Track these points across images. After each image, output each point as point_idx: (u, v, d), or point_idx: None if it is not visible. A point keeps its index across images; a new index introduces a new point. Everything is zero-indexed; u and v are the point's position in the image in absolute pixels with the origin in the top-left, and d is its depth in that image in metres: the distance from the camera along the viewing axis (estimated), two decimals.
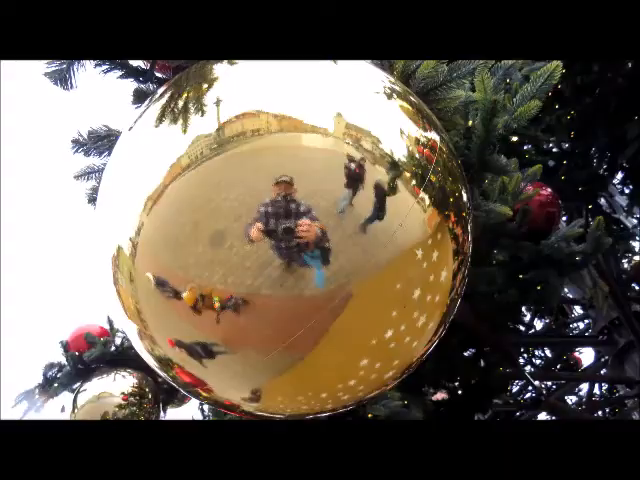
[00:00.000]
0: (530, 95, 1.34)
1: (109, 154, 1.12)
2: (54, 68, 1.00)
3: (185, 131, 0.69)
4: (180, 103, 0.72)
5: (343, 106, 0.69)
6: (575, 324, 6.39)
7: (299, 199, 0.63)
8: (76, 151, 1.15)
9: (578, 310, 6.17)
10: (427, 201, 0.71)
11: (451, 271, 0.78)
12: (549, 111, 3.18)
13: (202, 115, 0.70)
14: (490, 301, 2.24)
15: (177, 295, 0.64)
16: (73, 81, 0.99)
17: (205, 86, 0.73)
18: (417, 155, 0.71)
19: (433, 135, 0.76)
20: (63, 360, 2.55)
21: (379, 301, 0.70)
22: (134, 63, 1.01)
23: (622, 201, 4.17)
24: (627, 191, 3.88)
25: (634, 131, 2.94)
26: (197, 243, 0.64)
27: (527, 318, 5.12)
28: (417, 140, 0.72)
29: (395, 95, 0.76)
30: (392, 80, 0.81)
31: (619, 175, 3.69)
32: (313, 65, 0.78)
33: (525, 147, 3.17)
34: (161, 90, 0.79)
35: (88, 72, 1.04)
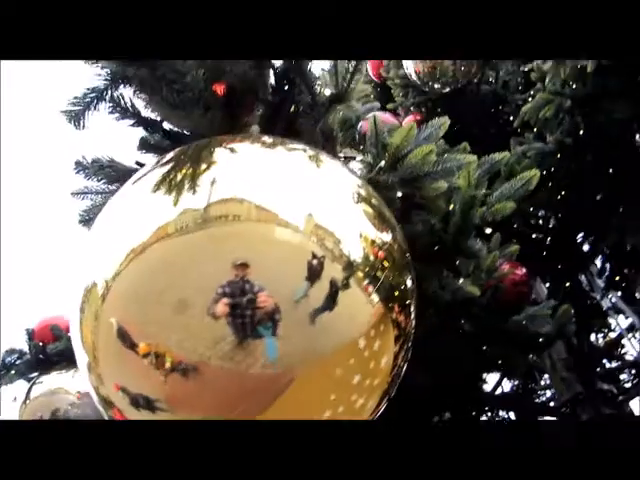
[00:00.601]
0: (507, 195, 1.45)
1: (107, 182, 1.21)
2: (70, 108, 1.08)
3: (176, 202, 0.79)
4: (178, 176, 0.82)
5: (315, 207, 0.79)
6: (543, 391, 6.47)
7: (257, 281, 0.73)
8: (77, 172, 1.24)
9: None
10: (374, 297, 0.80)
11: (392, 355, 0.87)
12: (542, 188, 3.31)
13: (194, 192, 0.79)
14: (454, 368, 2.32)
15: (133, 347, 0.73)
16: (86, 122, 1.07)
17: (203, 167, 0.83)
18: (371, 256, 0.81)
19: (388, 236, 0.85)
20: (25, 348, 2.50)
21: (319, 385, 0.79)
22: (145, 114, 1.10)
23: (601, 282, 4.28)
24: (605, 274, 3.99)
25: (616, 221, 3.07)
26: (163, 305, 0.73)
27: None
28: (373, 242, 0.82)
29: (360, 199, 0.86)
30: (360, 184, 0.91)
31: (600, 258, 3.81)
32: (300, 162, 0.87)
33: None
34: (166, 159, 0.89)
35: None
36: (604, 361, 5.49)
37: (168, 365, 0.71)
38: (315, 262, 0.76)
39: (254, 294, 0.73)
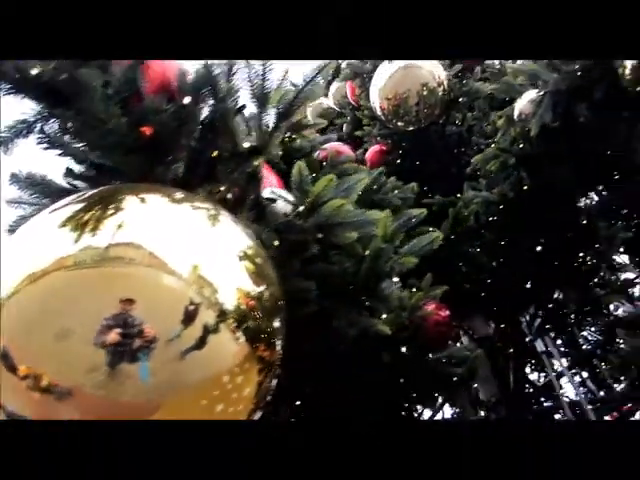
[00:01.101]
0: (413, 251, 1.59)
1: (39, 197, 1.29)
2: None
3: (78, 239, 0.89)
4: (87, 216, 0.92)
5: (201, 260, 0.91)
6: None
7: (139, 316, 0.84)
8: (11, 184, 1.31)
9: None
10: (241, 339, 0.92)
11: (255, 385, 0.99)
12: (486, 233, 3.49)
13: (98, 232, 0.90)
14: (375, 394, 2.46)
15: (14, 370, 0.82)
16: (13, 149, 1.12)
17: (111, 211, 0.93)
18: (242, 306, 0.93)
19: (261, 289, 0.98)
20: None
21: (185, 413, 0.90)
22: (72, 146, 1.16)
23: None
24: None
25: (548, 275, 3.26)
26: (47, 331, 0.83)
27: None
28: (247, 293, 0.94)
29: (244, 257, 0.98)
30: (250, 245, 1.02)
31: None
32: (199, 220, 0.99)
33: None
34: (82, 197, 0.99)
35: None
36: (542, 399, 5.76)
37: (44, 385, 0.81)
38: (191, 307, 0.87)
39: (140, 326, 0.84)
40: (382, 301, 1.64)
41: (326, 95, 7.70)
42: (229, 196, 1.20)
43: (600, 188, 2.99)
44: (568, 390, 7.38)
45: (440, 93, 3.45)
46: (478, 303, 3.91)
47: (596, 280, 3.56)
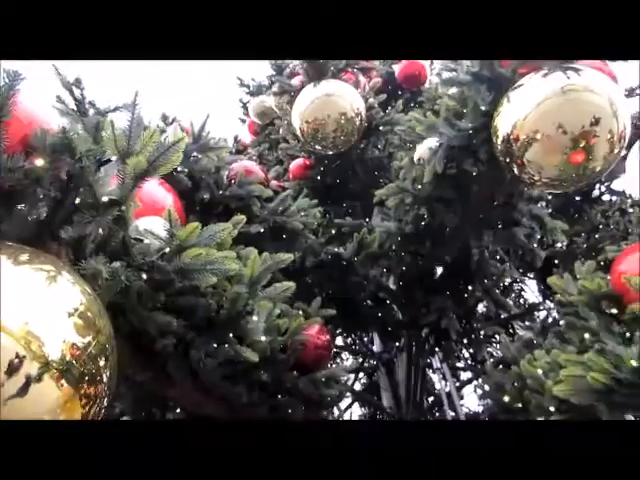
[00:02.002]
0: (270, 297, 1.76)
1: None
2: None
3: None
4: None
5: (33, 318, 1.02)
6: None
7: None
8: None
9: None
10: (65, 384, 1.03)
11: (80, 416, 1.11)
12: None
13: None
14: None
15: None
16: None
17: None
18: (68, 356, 1.04)
19: (89, 339, 1.09)
20: None
21: None
22: None
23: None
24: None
25: (437, 304, 3.53)
26: None
27: None
28: (73, 345, 1.06)
29: (74, 313, 1.10)
30: (83, 301, 1.13)
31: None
32: (37, 280, 1.09)
33: None
34: None
35: None
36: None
37: None
38: (16, 360, 0.98)
39: None
40: (245, 333, 1.78)
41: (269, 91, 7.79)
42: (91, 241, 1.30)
43: (488, 234, 3.25)
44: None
45: (357, 123, 3.63)
46: (377, 321, 4.15)
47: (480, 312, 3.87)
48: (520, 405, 2.37)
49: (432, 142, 2.87)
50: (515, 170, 2.26)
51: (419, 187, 3.04)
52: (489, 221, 3.10)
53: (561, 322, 2.41)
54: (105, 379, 1.15)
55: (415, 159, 3.01)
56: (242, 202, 2.88)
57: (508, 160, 2.27)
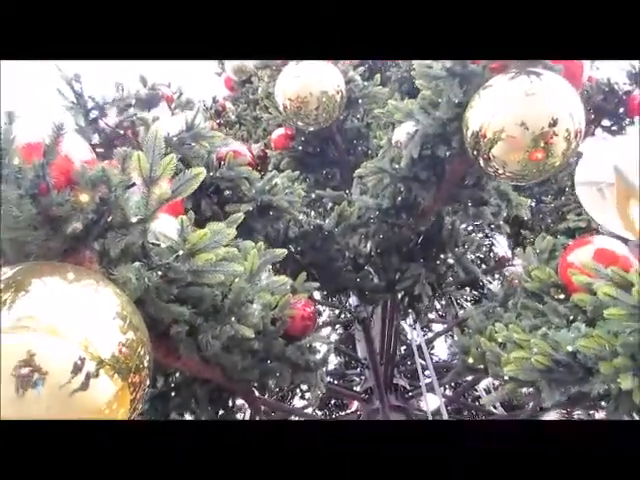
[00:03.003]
0: (269, 288, 2.02)
1: None
2: None
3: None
4: (5, 296, 1.23)
5: (87, 325, 1.26)
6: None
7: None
8: None
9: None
10: (116, 376, 1.29)
11: (128, 404, 1.37)
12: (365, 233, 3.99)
13: (12, 307, 1.21)
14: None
15: None
16: None
17: (21, 292, 1.25)
18: (116, 353, 1.29)
19: (131, 335, 1.34)
20: None
21: None
22: None
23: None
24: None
25: (412, 270, 3.83)
26: None
27: None
28: (119, 343, 1.31)
29: (119, 316, 1.34)
30: (119, 303, 1.38)
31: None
32: (85, 293, 1.32)
33: None
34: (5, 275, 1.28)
35: None
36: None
37: None
38: (79, 362, 1.23)
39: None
40: (244, 317, 2.04)
41: None
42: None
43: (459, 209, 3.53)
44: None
45: (338, 100, 3.81)
46: (355, 286, 4.46)
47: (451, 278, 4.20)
48: (482, 367, 2.73)
49: (409, 126, 3.09)
50: (481, 163, 2.52)
51: (396, 166, 3.27)
52: (460, 199, 3.37)
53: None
54: (146, 365, 1.41)
55: (393, 141, 3.23)
56: (232, 183, 3.08)
57: (475, 153, 2.52)
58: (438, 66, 2.65)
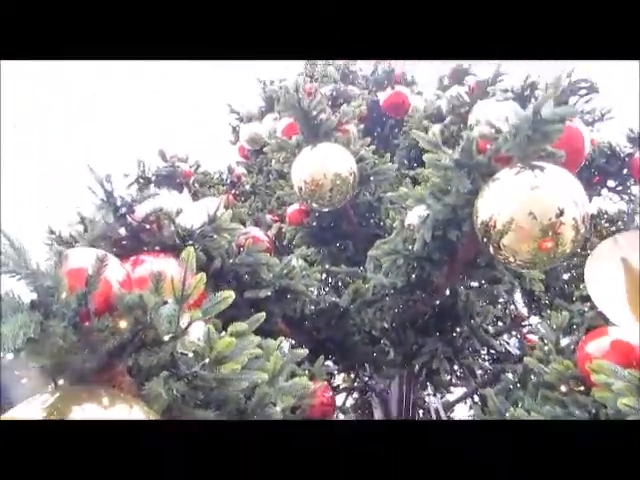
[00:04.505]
0: (289, 391, 2.09)
1: None
2: None
3: None
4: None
5: None
6: None
7: None
8: None
9: None
10: None
11: None
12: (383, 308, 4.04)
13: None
14: None
15: None
16: None
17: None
18: None
19: None
20: None
21: None
22: None
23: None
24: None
25: (429, 346, 3.86)
26: None
27: None
28: None
29: None
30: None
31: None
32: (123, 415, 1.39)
33: None
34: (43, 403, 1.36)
35: None
36: None
37: None
38: None
39: None
40: (268, 416, 2.09)
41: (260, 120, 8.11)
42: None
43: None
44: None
45: (351, 181, 3.96)
46: (372, 361, 4.48)
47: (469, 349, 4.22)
48: None
49: (421, 210, 3.21)
50: (491, 251, 2.60)
51: (409, 247, 3.37)
52: (473, 277, 3.45)
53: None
54: None
55: (406, 224, 3.34)
56: (250, 268, 3.18)
57: (486, 240, 2.61)
58: (446, 158, 2.78)
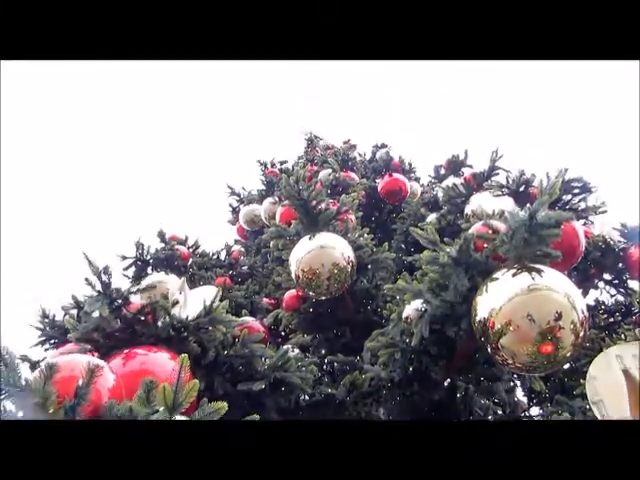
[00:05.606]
0: None
1: None
2: None
3: None
4: None
5: None
6: None
7: None
8: None
9: None
10: None
11: None
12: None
13: None
14: None
15: None
16: None
17: None
18: None
19: None
20: None
21: None
22: None
23: None
24: None
25: None
26: None
27: None
28: None
29: None
30: None
31: None
32: None
33: None
34: None
35: None
36: None
37: None
38: None
39: None
40: None
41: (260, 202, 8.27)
42: None
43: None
44: None
45: (349, 270, 3.98)
46: None
47: None
48: None
49: (417, 304, 3.20)
50: (489, 351, 2.57)
51: (407, 340, 3.32)
52: (471, 373, 3.38)
53: None
54: None
55: (403, 317, 3.32)
56: (245, 360, 3.12)
57: (483, 340, 2.58)
58: (444, 256, 2.81)
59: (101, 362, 1.59)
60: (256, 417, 2.07)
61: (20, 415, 1.22)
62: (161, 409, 1.53)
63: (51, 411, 1.25)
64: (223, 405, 1.54)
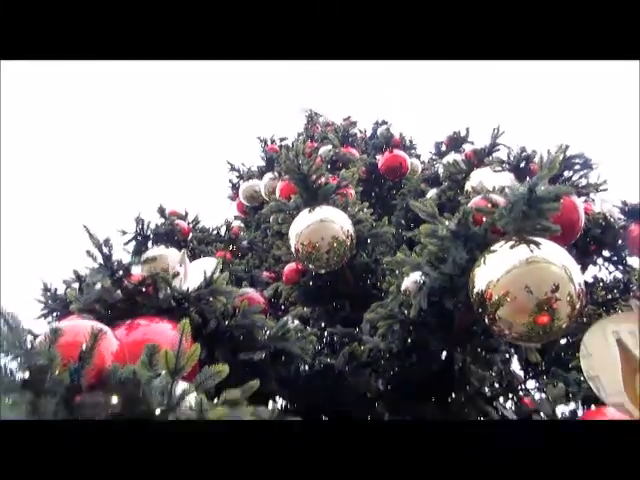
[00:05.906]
0: None
1: None
2: None
3: None
4: None
5: None
6: None
7: None
8: None
9: None
10: None
11: None
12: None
13: None
14: None
15: None
16: None
17: None
18: None
19: None
20: None
21: None
22: None
23: None
24: None
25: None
26: None
27: None
28: None
29: None
30: None
31: None
32: None
33: None
34: None
35: None
36: None
37: None
38: None
39: None
40: None
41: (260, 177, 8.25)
42: None
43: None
44: None
45: (348, 244, 4.00)
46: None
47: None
48: None
49: (416, 276, 3.23)
50: (486, 322, 2.60)
51: (405, 312, 3.36)
52: (469, 345, 3.43)
53: None
54: None
55: (402, 289, 3.35)
56: (245, 330, 3.17)
57: (481, 311, 2.61)
58: (443, 229, 2.83)
59: (105, 327, 1.62)
60: (257, 383, 2.12)
61: (26, 376, 1.25)
62: (163, 372, 1.56)
63: (57, 373, 1.29)
64: (224, 368, 1.57)
